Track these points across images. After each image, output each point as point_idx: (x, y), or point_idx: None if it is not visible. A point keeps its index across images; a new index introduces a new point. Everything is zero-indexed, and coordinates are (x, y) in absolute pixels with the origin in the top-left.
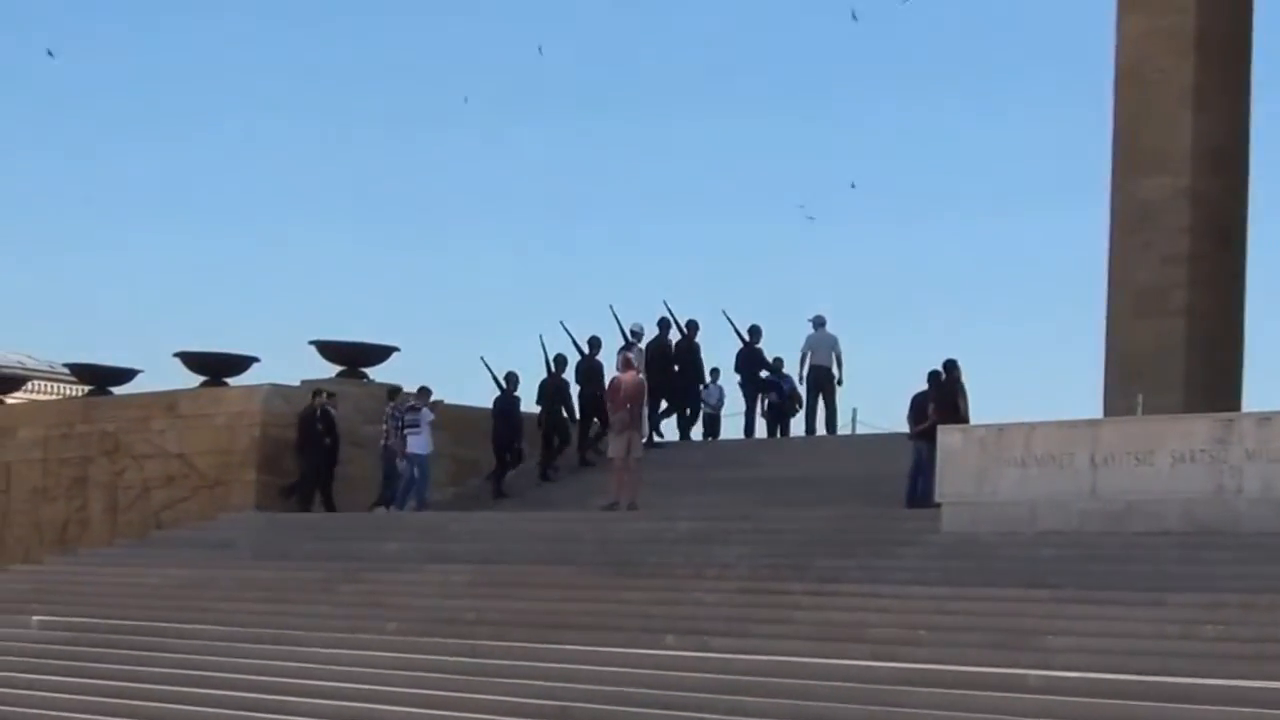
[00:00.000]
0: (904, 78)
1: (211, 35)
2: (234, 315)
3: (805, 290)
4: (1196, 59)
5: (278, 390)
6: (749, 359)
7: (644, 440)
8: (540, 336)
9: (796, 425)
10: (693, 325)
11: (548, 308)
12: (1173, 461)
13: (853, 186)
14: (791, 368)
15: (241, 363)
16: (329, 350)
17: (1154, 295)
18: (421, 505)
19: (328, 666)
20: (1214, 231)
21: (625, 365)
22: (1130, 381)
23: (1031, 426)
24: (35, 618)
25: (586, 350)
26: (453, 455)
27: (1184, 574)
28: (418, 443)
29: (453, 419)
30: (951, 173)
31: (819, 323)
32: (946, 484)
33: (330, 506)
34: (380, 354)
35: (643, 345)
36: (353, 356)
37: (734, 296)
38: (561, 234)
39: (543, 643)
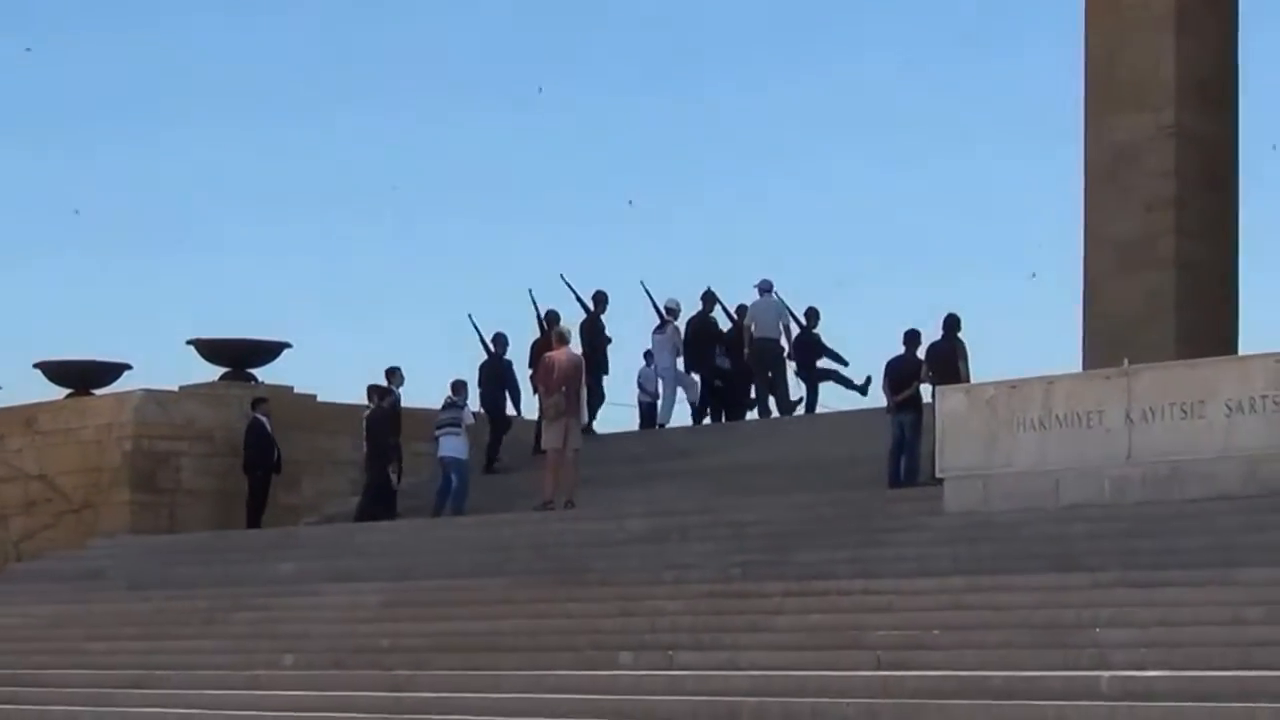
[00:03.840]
0: (844, 21)
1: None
2: (103, 321)
3: (748, 253)
4: None
5: (152, 396)
6: (805, 346)
7: (584, 427)
8: (530, 292)
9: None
10: (812, 314)
11: (450, 295)
12: (1229, 412)
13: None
14: None
15: (111, 370)
16: (211, 349)
17: (1138, 247)
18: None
19: (215, 712)
20: (1203, 173)
21: (559, 340)
22: (1114, 344)
23: (1050, 381)
24: None
25: (593, 308)
26: (354, 461)
27: (1253, 545)
28: (456, 445)
29: (352, 420)
30: (906, 117)
31: (765, 288)
32: (949, 455)
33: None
34: (270, 351)
35: (679, 323)
36: (239, 356)
37: (667, 262)
38: (446, 220)
39: (474, 669)
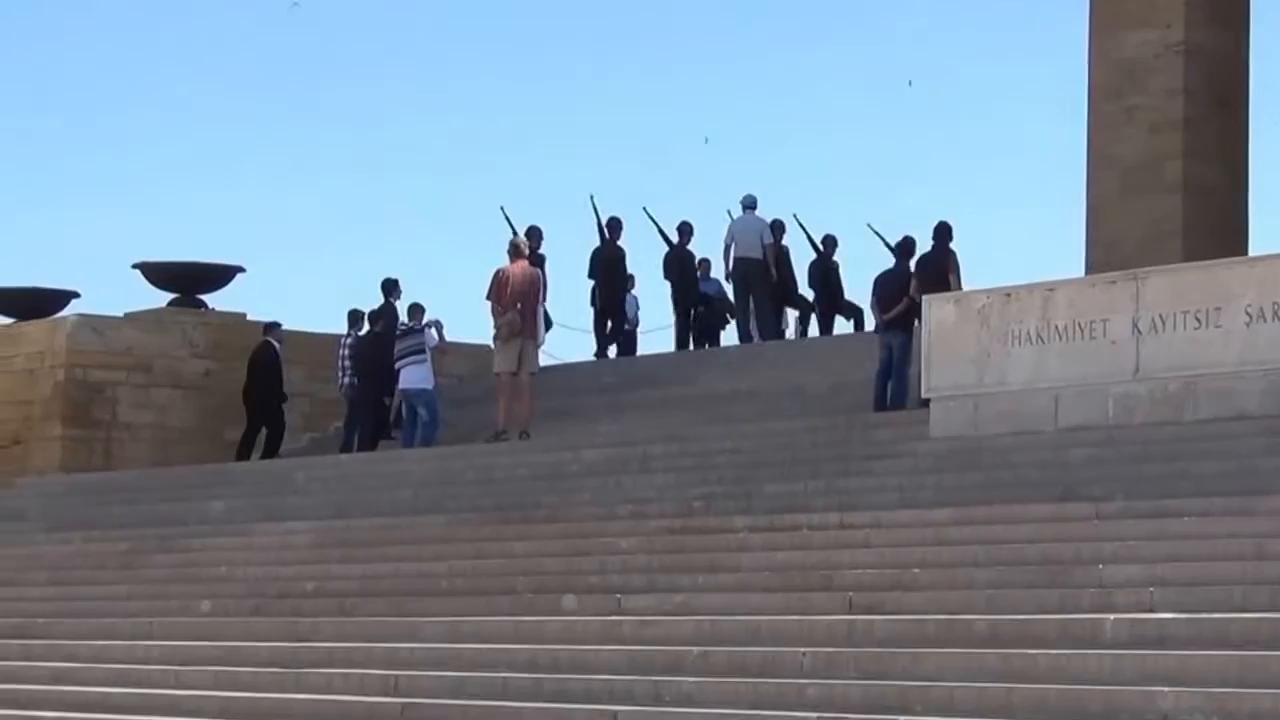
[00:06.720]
0: None
1: None
2: (50, 245)
3: (731, 174)
4: None
5: (87, 321)
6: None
7: (540, 349)
8: (592, 198)
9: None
10: (829, 241)
11: (413, 222)
12: (1249, 320)
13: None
14: (717, 265)
15: (57, 299)
16: (158, 274)
17: (1143, 169)
18: None
19: (119, 666)
20: (1212, 93)
21: (515, 253)
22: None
23: (1050, 288)
24: None
25: (676, 240)
26: (308, 394)
27: (1276, 470)
28: (421, 375)
29: (303, 349)
30: (906, 35)
31: (748, 204)
32: (937, 373)
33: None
34: (221, 276)
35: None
36: (188, 281)
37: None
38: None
39: (400, 615)
